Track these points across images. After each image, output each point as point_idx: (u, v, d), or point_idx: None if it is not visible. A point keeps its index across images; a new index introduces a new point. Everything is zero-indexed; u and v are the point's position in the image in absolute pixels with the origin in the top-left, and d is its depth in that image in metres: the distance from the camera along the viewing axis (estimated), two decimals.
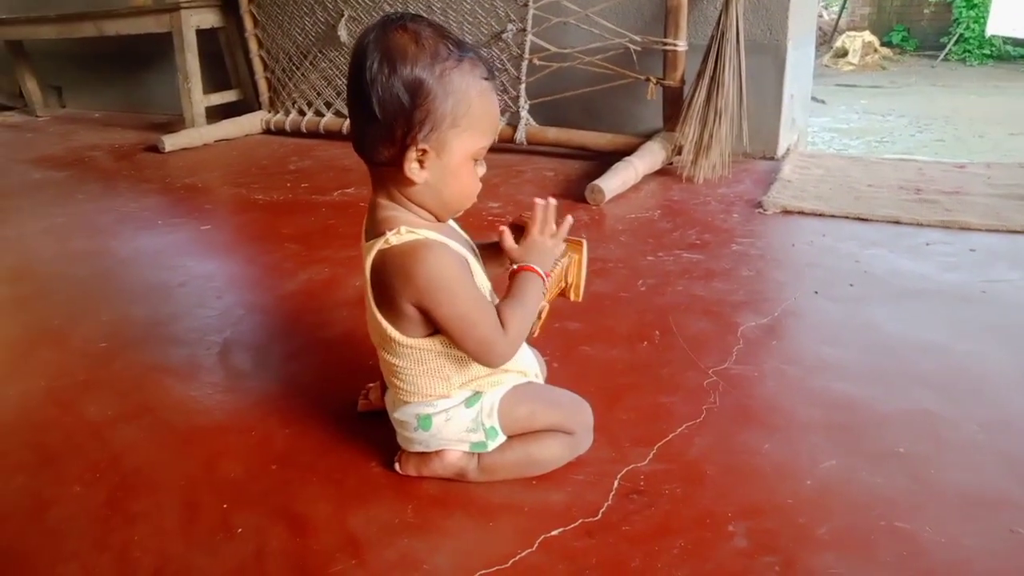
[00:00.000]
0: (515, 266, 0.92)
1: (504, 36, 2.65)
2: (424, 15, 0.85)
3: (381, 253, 0.83)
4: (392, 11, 0.83)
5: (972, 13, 7.59)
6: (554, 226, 0.94)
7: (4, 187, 2.69)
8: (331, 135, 3.07)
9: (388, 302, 0.86)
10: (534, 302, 0.90)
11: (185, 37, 3.20)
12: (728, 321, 1.35)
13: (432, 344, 0.88)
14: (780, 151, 2.54)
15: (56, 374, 1.31)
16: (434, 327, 0.86)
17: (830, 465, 0.95)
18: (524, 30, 2.62)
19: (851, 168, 2.38)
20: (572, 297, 1.01)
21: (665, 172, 2.37)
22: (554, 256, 0.95)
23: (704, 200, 2.10)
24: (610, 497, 0.91)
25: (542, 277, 0.92)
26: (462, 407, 0.92)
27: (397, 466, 0.97)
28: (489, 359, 0.87)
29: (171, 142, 3.05)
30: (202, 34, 3.28)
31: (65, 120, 4.11)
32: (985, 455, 0.98)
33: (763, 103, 2.46)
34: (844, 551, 0.82)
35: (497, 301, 0.92)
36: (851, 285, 1.49)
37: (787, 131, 2.60)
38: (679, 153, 2.36)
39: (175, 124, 3.40)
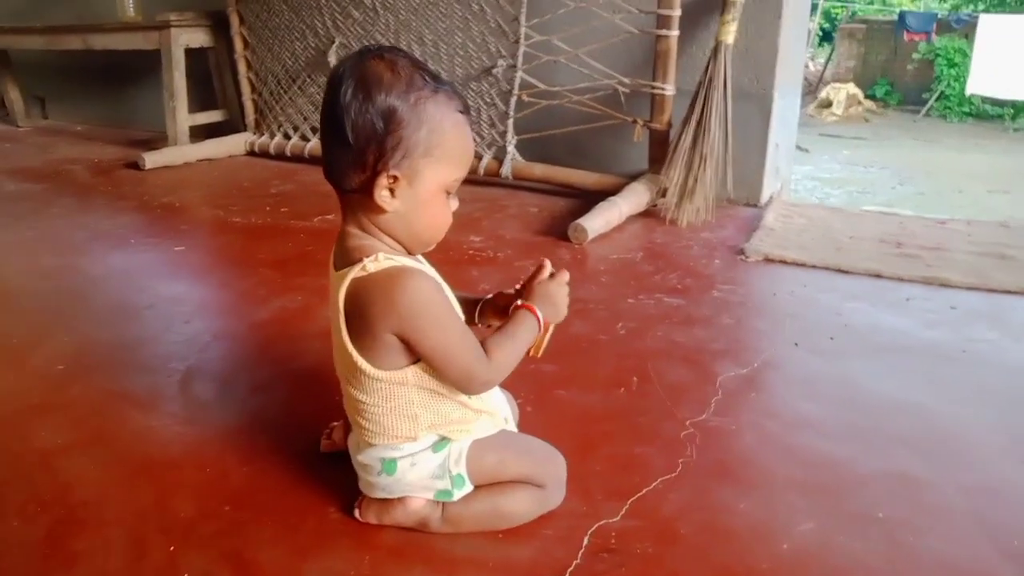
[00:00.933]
0: (519, 302, 0.92)
1: (494, 71, 2.66)
2: (403, 48, 0.86)
3: (357, 281, 0.81)
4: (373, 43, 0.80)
5: (952, 72, 7.80)
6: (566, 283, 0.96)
7: None
8: (316, 160, 3.04)
9: (363, 332, 0.82)
10: (524, 343, 0.90)
11: (173, 55, 3.18)
12: (707, 370, 1.32)
13: (404, 376, 0.84)
14: (763, 199, 2.55)
15: (9, 396, 1.25)
16: (412, 357, 0.83)
17: (808, 528, 0.92)
18: (514, 66, 2.63)
19: (833, 219, 2.39)
20: (531, 353, 0.99)
21: (649, 214, 2.36)
22: (559, 310, 0.94)
23: (687, 244, 2.09)
24: (579, 555, 0.87)
25: (540, 324, 0.90)
26: (429, 452, 0.88)
27: (357, 512, 0.92)
28: (470, 386, 0.86)
29: (152, 159, 3.01)
30: (191, 53, 3.26)
31: (46, 132, 4.05)
32: (965, 521, 0.95)
33: (748, 150, 2.48)
34: None
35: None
36: (831, 338, 1.48)
37: (771, 179, 2.62)
38: (663, 195, 2.36)
39: (158, 141, 3.37)
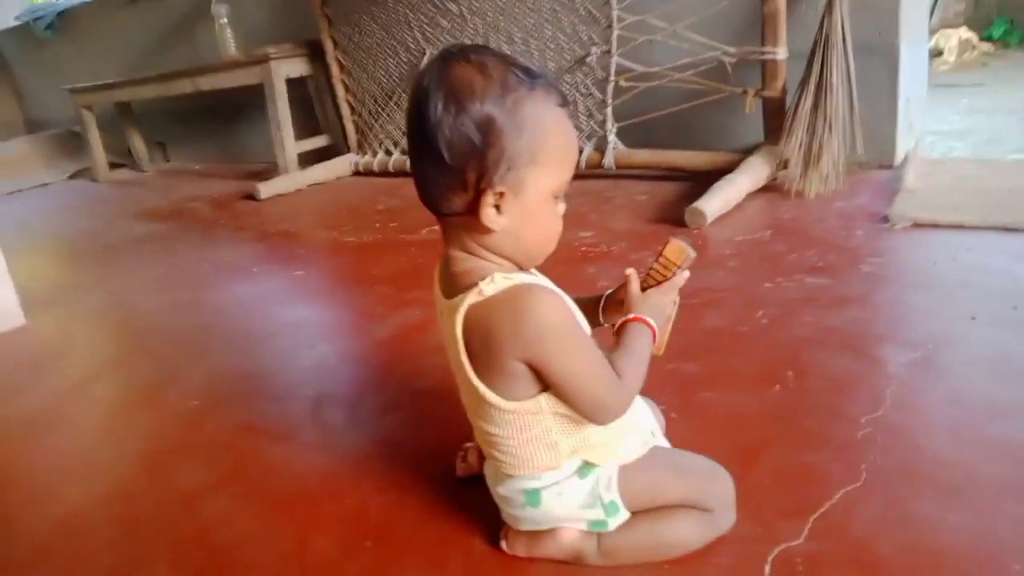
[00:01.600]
0: (630, 315, 0.82)
1: (588, 60, 2.55)
2: (484, 45, 0.78)
3: (475, 308, 0.73)
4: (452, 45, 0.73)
5: None
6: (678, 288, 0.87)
7: (110, 242, 2.78)
8: None
9: (486, 361, 0.74)
10: (645, 356, 0.80)
11: (276, 87, 3.27)
12: (873, 357, 1.17)
13: (537, 405, 0.76)
14: (898, 158, 2.30)
15: (149, 437, 1.28)
16: (542, 384, 0.75)
17: None
18: (609, 52, 2.51)
19: (984, 172, 2.12)
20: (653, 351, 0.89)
21: (770, 188, 2.18)
22: (667, 315, 0.86)
23: (820, 216, 1.90)
24: None
25: (653, 332, 0.82)
26: (575, 479, 0.79)
27: (504, 544, 0.85)
28: (604, 415, 0.76)
29: (266, 189, 3.11)
30: (292, 83, 3.35)
31: (169, 174, 4.30)
32: None
33: (876, 108, 2.25)
34: None
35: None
36: (1014, 307, 1.28)
37: (905, 136, 2.37)
38: (785, 168, 2.18)
39: (270, 172, 3.48)
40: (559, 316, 0.72)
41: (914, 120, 2.50)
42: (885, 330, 1.25)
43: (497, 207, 0.72)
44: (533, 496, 0.80)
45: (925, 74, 2.64)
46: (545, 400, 0.76)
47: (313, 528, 0.96)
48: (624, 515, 0.80)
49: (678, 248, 0.84)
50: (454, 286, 0.76)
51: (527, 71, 0.72)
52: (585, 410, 0.75)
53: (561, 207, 0.77)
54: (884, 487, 0.87)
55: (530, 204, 0.72)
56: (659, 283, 0.86)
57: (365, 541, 0.92)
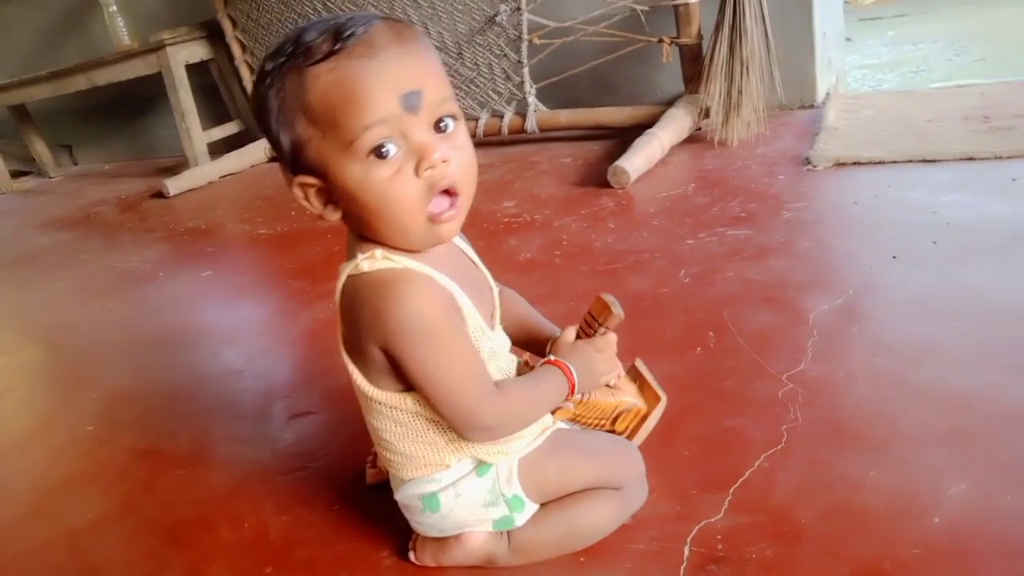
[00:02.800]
0: (550, 357, 0.74)
1: (498, 19, 2.44)
2: (371, 12, 0.70)
3: (351, 280, 0.66)
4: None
5: None
6: (613, 349, 0.77)
7: (11, 257, 2.60)
8: None
9: (355, 343, 0.68)
10: (547, 396, 0.72)
11: (175, 74, 3.08)
12: (795, 308, 1.13)
13: (405, 402, 0.69)
14: (820, 97, 2.28)
15: (40, 470, 1.17)
16: (406, 383, 0.68)
17: (960, 491, 0.73)
18: (519, 9, 2.40)
19: (904, 104, 2.11)
20: (621, 433, 0.82)
21: (694, 139, 2.13)
22: (595, 370, 0.75)
23: (743, 164, 1.86)
24: (681, 570, 0.71)
25: (570, 380, 0.72)
26: (472, 477, 0.73)
27: (412, 555, 0.79)
28: (473, 432, 0.68)
29: (175, 185, 2.93)
30: (193, 68, 3.16)
31: (76, 177, 4.05)
32: None
33: (793, 46, 2.20)
34: None
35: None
36: (934, 243, 1.25)
37: (824, 73, 2.34)
38: (707, 116, 2.12)
39: (180, 166, 3.29)
40: (430, 312, 0.63)
41: (832, 56, 2.47)
42: (806, 278, 1.22)
43: (325, 194, 0.65)
44: (431, 500, 0.73)
45: (840, 7, 2.61)
46: (412, 400, 0.68)
47: (209, 559, 0.88)
48: (532, 508, 0.74)
49: (602, 304, 0.75)
50: (349, 252, 0.70)
51: (291, 42, 0.61)
52: (452, 422, 0.67)
53: (419, 162, 0.61)
54: (805, 448, 0.83)
55: (341, 184, 0.62)
56: (588, 336, 0.78)
57: (265, 568, 0.84)
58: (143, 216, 2.74)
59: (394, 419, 0.70)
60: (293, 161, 0.64)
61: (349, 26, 0.60)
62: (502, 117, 2.52)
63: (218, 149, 3.21)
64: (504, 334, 0.77)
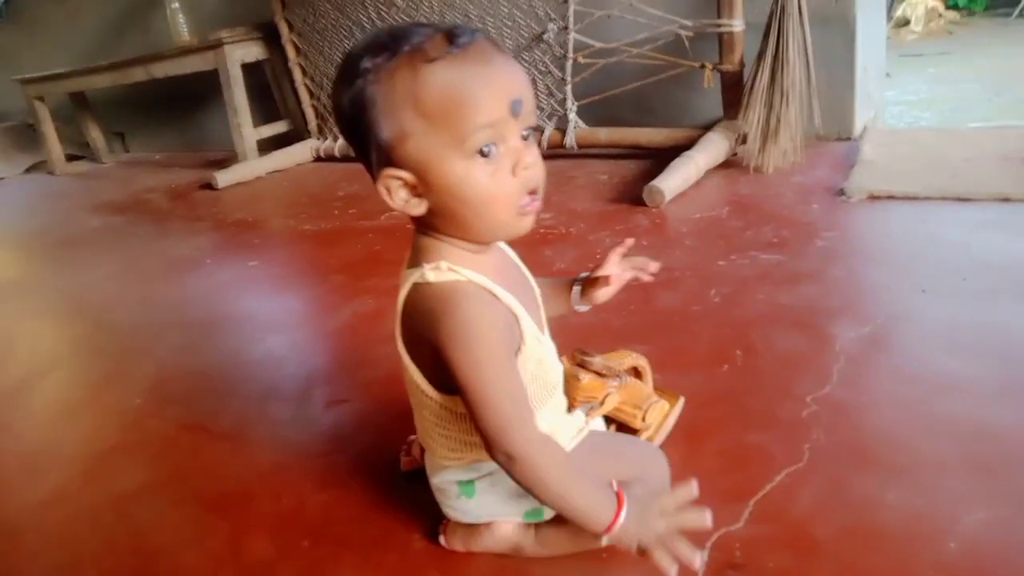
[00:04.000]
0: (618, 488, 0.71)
1: (545, 37, 2.51)
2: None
3: (416, 288, 0.70)
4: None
5: None
6: (678, 520, 0.70)
7: (64, 237, 2.71)
8: None
9: (415, 343, 0.72)
10: (578, 501, 0.68)
11: (231, 72, 3.19)
12: (823, 334, 1.16)
13: (456, 404, 0.72)
14: (857, 130, 2.29)
15: (88, 439, 1.23)
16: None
17: (978, 519, 0.76)
18: (566, 28, 2.47)
19: (942, 141, 2.12)
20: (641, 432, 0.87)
21: (730, 164, 2.17)
22: (643, 534, 0.69)
23: (777, 191, 1.89)
24: (700, 574, 0.74)
25: (614, 520, 0.68)
26: (504, 475, 0.77)
27: (442, 539, 0.83)
28: (494, 449, 0.67)
29: (224, 178, 3.04)
30: (248, 68, 3.26)
31: (128, 165, 4.19)
32: None
33: (834, 79, 2.23)
34: None
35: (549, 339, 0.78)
36: (964, 279, 1.27)
37: (863, 107, 2.36)
38: (744, 142, 2.16)
39: (230, 160, 3.39)
40: (487, 330, 0.67)
41: (872, 90, 2.49)
42: (836, 305, 1.24)
43: (412, 190, 0.66)
44: (467, 487, 0.78)
45: (883, 43, 2.63)
46: (462, 402, 0.71)
47: (249, 529, 0.93)
48: None
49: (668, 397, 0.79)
50: (412, 259, 0.73)
51: (400, 34, 0.64)
52: (484, 436, 0.68)
53: (518, 158, 0.65)
54: (826, 467, 0.86)
55: (441, 179, 0.64)
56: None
57: (302, 541, 0.89)
58: (192, 205, 2.84)
59: (443, 416, 0.74)
60: (387, 154, 0.65)
61: (459, 32, 0.63)
62: (543, 131, 2.57)
63: (266, 146, 3.32)
64: (551, 340, 0.81)
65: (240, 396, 1.28)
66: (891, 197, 1.74)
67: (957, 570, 0.70)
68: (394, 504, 0.92)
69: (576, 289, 0.85)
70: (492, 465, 0.76)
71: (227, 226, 2.46)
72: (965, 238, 1.44)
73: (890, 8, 7.45)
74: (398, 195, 0.67)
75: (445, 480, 0.79)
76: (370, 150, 0.66)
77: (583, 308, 0.86)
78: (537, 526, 0.79)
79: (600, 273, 0.83)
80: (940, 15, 7.04)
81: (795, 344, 1.14)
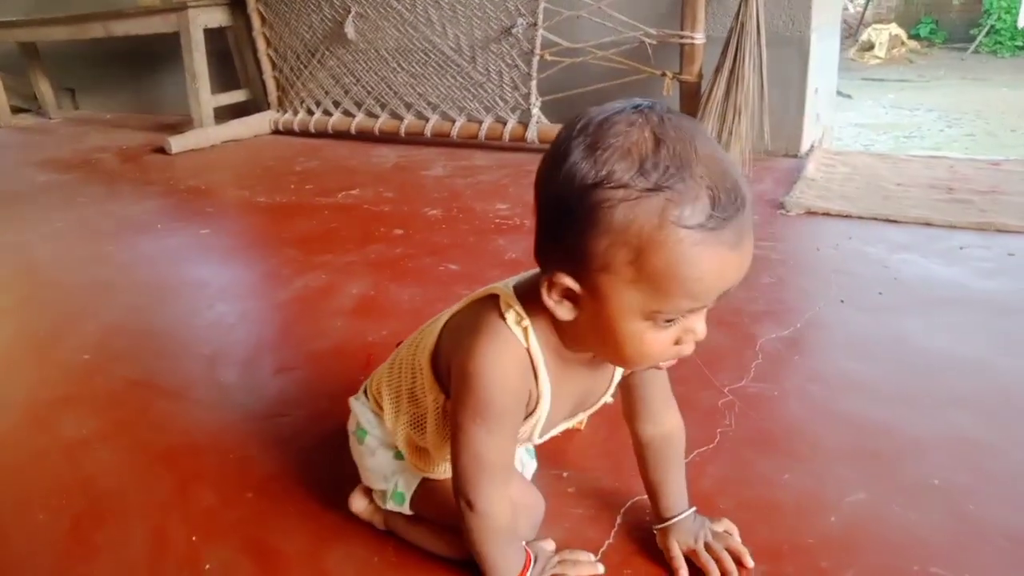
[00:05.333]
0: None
1: (514, 31, 2.56)
2: (666, 105, 0.59)
3: (481, 303, 0.70)
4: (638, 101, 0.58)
5: (1003, 4, 7.37)
6: None
7: (9, 192, 2.65)
8: (339, 135, 3.00)
9: (445, 345, 0.73)
10: (496, 559, 0.71)
11: (192, 36, 3.15)
12: (747, 333, 1.25)
13: (439, 403, 0.74)
14: (804, 148, 2.42)
15: (35, 388, 1.25)
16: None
17: (858, 499, 0.86)
18: (535, 24, 2.53)
19: (879, 166, 2.26)
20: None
21: None
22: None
23: None
24: (611, 535, 0.82)
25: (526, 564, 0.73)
26: (390, 451, 0.82)
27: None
28: (458, 489, 0.69)
29: (178, 143, 3.01)
30: (211, 33, 3.23)
31: (77, 122, 4.09)
32: None
33: (786, 98, 2.35)
34: None
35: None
36: (880, 293, 1.39)
37: (811, 127, 2.49)
38: None
39: (185, 125, 3.35)
40: (501, 390, 0.66)
41: (821, 112, 2.62)
42: (761, 309, 1.34)
43: (571, 299, 0.61)
44: (361, 432, 0.83)
45: (835, 67, 2.77)
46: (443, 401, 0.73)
47: (195, 480, 0.97)
48: (404, 509, 0.81)
49: None
50: (502, 290, 0.69)
51: (668, 168, 0.54)
52: (459, 475, 0.69)
53: (690, 335, 0.62)
54: (733, 450, 0.95)
55: (606, 314, 0.59)
56: None
57: (246, 492, 0.94)
58: (143, 169, 2.81)
59: (415, 394, 0.77)
60: (575, 264, 0.58)
61: (726, 200, 0.55)
62: (505, 123, 2.63)
63: (223, 115, 3.29)
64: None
65: (188, 358, 1.31)
66: (826, 214, 1.86)
67: (834, 539, 0.80)
68: (337, 465, 0.97)
69: (665, 519, 0.80)
70: (385, 435, 0.82)
71: (179, 192, 2.45)
72: (885, 256, 1.56)
73: (857, 33, 7.74)
74: (555, 294, 0.61)
75: (358, 408, 0.84)
76: (559, 242, 0.59)
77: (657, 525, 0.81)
78: (385, 512, 0.83)
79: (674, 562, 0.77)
80: (903, 43, 7.34)
81: (720, 341, 1.23)
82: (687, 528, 0.78)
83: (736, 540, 0.78)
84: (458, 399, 0.67)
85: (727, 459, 0.93)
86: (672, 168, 0.55)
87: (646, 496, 0.85)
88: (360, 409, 0.84)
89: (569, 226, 0.57)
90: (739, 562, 0.76)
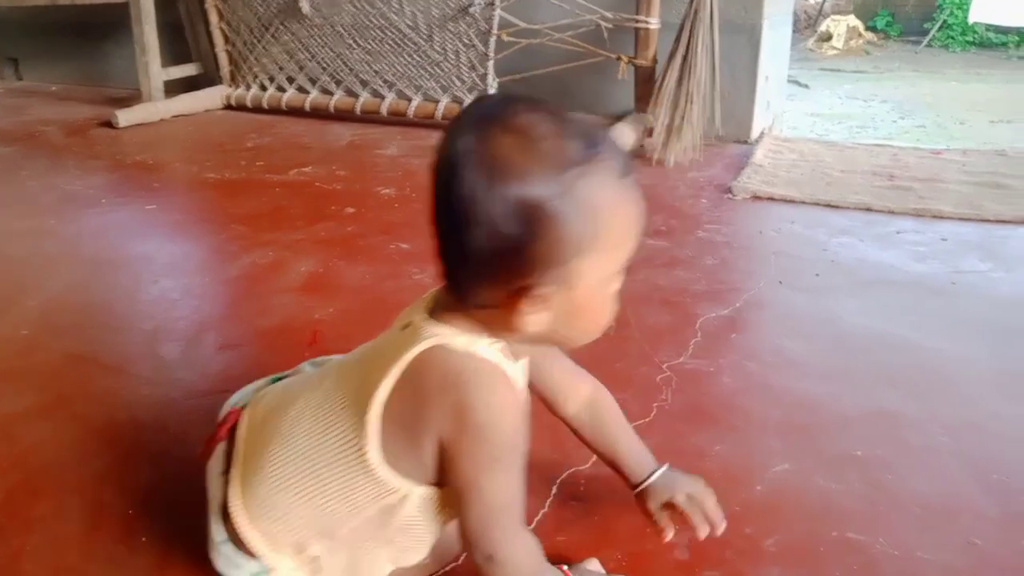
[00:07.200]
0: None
1: (471, 10, 2.55)
2: (536, 98, 0.59)
3: (432, 354, 0.61)
4: (482, 95, 0.57)
5: (955, 0, 7.56)
6: None
7: None
8: (293, 112, 2.96)
9: (406, 418, 0.62)
10: None
11: (142, 7, 3.06)
12: (687, 312, 1.29)
13: (408, 492, 0.64)
14: (754, 135, 2.47)
15: None
16: (433, 477, 0.64)
17: (783, 469, 0.90)
18: (492, 4, 2.52)
19: (825, 153, 2.32)
20: None
21: (635, 155, 2.29)
22: None
23: (673, 184, 2.03)
24: (547, 504, 0.85)
25: None
26: None
27: None
28: (473, 545, 0.63)
29: (125, 117, 2.92)
30: (161, 4, 3.14)
31: (19, 93, 3.94)
32: (948, 459, 0.93)
33: (737, 85, 2.40)
34: (791, 565, 0.76)
35: None
36: (817, 275, 1.44)
37: (762, 114, 2.54)
38: (650, 135, 2.29)
39: (133, 99, 3.26)
40: (511, 430, 0.61)
41: (772, 99, 2.68)
42: (703, 289, 1.38)
43: (546, 304, 0.59)
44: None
45: (786, 56, 2.83)
46: (419, 493, 0.65)
47: (135, 454, 0.97)
48: None
49: None
50: (435, 309, 0.63)
51: (585, 137, 0.57)
52: (471, 532, 0.63)
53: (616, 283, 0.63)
54: (668, 423, 0.98)
55: (578, 297, 0.59)
56: None
57: (184, 469, 0.93)
58: (89, 142, 2.73)
59: (362, 497, 0.64)
60: (545, 271, 0.56)
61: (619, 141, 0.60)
62: (462, 103, 2.63)
63: (173, 89, 3.21)
64: None
65: (130, 333, 1.29)
66: (771, 198, 1.90)
67: (759, 507, 0.84)
68: None
69: (635, 485, 0.80)
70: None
71: (126, 167, 2.40)
72: (825, 240, 1.61)
73: (816, 23, 7.89)
74: (531, 308, 0.58)
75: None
76: (522, 255, 0.56)
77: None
78: None
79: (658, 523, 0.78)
80: (860, 35, 7.50)
81: (662, 320, 1.26)
82: (664, 488, 0.77)
83: (711, 505, 0.77)
84: (463, 461, 0.61)
85: (662, 432, 0.96)
86: (588, 135, 0.57)
87: (584, 467, 0.87)
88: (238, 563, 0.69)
89: (540, 235, 0.55)
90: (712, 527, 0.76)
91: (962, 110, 4.69)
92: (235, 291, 1.46)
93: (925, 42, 7.51)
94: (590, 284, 0.59)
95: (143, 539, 0.82)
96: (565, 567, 0.71)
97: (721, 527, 0.75)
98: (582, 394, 0.80)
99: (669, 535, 0.76)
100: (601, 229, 0.57)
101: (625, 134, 2.26)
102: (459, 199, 0.55)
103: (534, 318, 0.59)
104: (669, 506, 0.77)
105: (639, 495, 0.79)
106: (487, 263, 0.57)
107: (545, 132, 0.56)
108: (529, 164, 0.54)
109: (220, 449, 0.76)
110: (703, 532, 0.75)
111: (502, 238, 0.55)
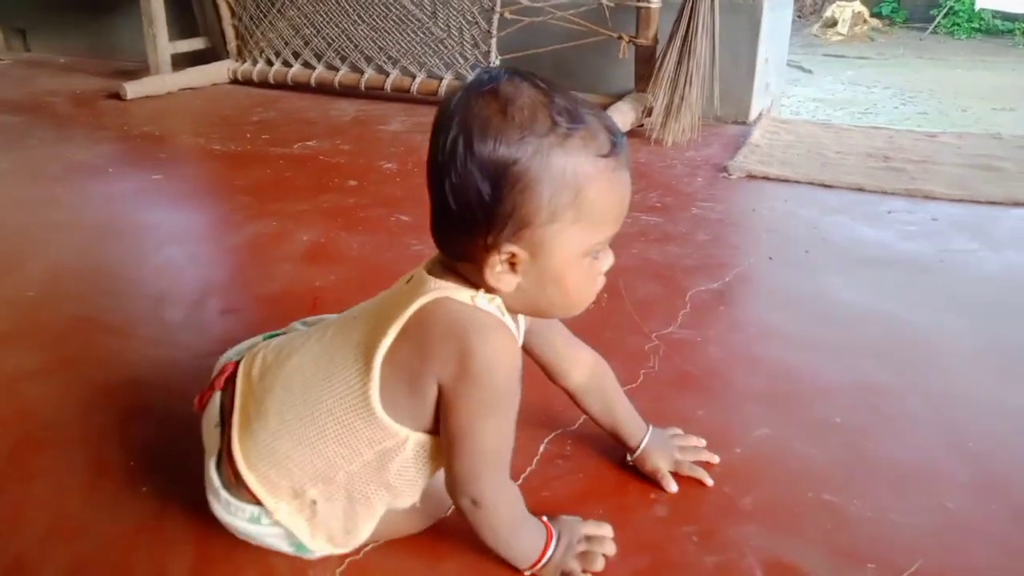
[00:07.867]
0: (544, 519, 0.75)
1: None
2: (532, 73, 0.62)
3: (438, 304, 0.64)
4: (487, 66, 0.61)
5: None
6: (604, 547, 0.75)
7: None
8: (299, 87, 2.97)
9: (409, 363, 0.65)
10: (517, 543, 0.71)
11: None
12: (678, 285, 1.31)
13: (405, 437, 0.67)
14: (752, 116, 2.48)
15: None
16: (429, 423, 0.67)
17: (763, 433, 0.93)
18: None
19: (821, 135, 2.33)
20: None
21: (635, 134, 2.31)
22: (566, 564, 0.73)
23: (670, 163, 2.05)
24: (534, 462, 0.88)
25: (543, 553, 0.72)
26: (287, 538, 0.72)
27: None
28: (459, 491, 0.67)
29: (133, 89, 2.94)
30: None
31: (28, 64, 3.95)
32: (923, 427, 0.96)
33: (736, 66, 2.40)
34: (767, 523, 0.80)
35: None
36: (807, 251, 1.46)
37: (760, 95, 2.55)
38: (649, 115, 2.30)
39: (141, 71, 3.27)
40: (509, 378, 0.64)
41: (771, 81, 2.68)
42: (694, 264, 1.41)
43: (512, 266, 0.63)
44: (301, 547, 0.72)
45: (786, 38, 2.83)
46: (414, 440, 0.68)
47: (136, 412, 1.00)
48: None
49: None
50: (435, 270, 0.67)
51: (570, 112, 0.60)
52: (453, 475, 0.67)
53: (605, 262, 0.67)
54: (654, 389, 1.01)
55: (553, 265, 0.62)
56: None
57: (186, 426, 0.97)
58: (97, 114, 2.75)
59: (361, 442, 0.67)
60: (515, 230, 0.60)
61: (615, 131, 0.62)
62: (464, 80, 2.64)
63: (180, 62, 3.22)
64: None
65: (135, 297, 1.33)
66: (766, 178, 1.92)
67: (738, 469, 0.87)
68: None
69: (634, 448, 0.85)
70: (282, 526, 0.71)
71: (133, 138, 2.42)
72: (817, 218, 1.63)
73: (821, 8, 7.84)
74: (498, 268, 0.62)
75: (242, 511, 0.71)
76: (493, 215, 0.60)
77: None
78: None
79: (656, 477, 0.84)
80: (866, 21, 7.45)
81: (652, 292, 1.29)
82: (660, 448, 0.85)
83: (705, 454, 0.87)
84: (460, 405, 0.64)
85: (647, 397, 0.99)
86: (572, 110, 0.60)
87: (571, 427, 0.91)
88: (276, 530, 0.71)
89: (507, 193, 0.59)
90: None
91: (965, 97, 4.68)
92: (238, 259, 1.49)
93: (930, 29, 7.46)
94: (565, 256, 0.62)
95: (144, 489, 0.86)
96: (544, 518, 0.75)
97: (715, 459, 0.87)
98: (584, 362, 0.85)
99: (673, 488, 0.83)
100: (578, 201, 0.60)
101: (624, 116, 2.28)
102: (442, 152, 0.60)
103: (505, 277, 0.62)
104: (677, 466, 0.85)
105: (639, 459, 0.85)
106: (462, 215, 0.61)
107: (530, 102, 0.59)
108: (507, 126, 0.58)
109: (216, 401, 0.78)
110: (710, 481, 0.84)
111: (475, 191, 0.59)
